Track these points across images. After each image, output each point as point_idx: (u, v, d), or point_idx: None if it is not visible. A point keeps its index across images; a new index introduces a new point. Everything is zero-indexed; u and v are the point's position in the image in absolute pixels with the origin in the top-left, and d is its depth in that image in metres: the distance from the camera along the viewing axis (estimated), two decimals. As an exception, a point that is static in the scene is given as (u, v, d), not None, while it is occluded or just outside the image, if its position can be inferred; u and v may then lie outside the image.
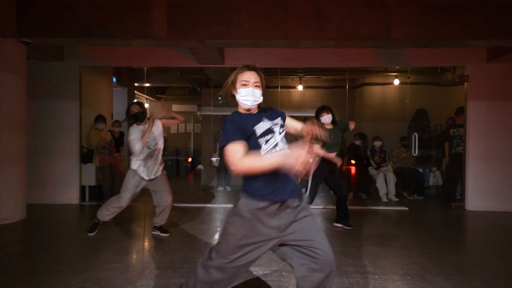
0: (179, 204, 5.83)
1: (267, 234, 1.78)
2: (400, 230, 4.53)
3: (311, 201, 4.41)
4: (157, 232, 4.12)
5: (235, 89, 1.89)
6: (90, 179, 6.20)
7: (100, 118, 6.00)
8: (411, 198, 7.00)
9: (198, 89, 9.26)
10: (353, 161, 7.04)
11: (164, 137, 12.20)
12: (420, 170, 7.41)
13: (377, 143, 7.09)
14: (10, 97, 4.67)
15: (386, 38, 4.54)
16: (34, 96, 5.69)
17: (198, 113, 10.34)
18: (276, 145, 1.83)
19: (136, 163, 3.85)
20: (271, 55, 5.95)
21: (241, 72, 1.91)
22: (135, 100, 6.90)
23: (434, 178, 7.52)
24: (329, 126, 4.38)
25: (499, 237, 4.35)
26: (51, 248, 3.64)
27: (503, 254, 3.67)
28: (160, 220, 4.07)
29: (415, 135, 6.37)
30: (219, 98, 9.25)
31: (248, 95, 1.85)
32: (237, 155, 1.69)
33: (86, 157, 6.18)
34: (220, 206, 5.90)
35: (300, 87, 8.34)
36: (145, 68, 7.06)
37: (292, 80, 8.38)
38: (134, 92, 9.17)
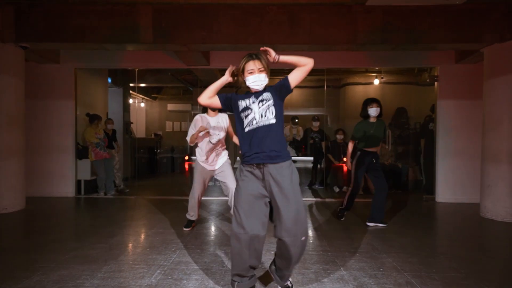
0: (173, 197, 6.28)
1: None
2: (365, 218, 4.92)
3: (356, 190, 4.52)
4: None
5: (243, 77, 2.32)
6: (85, 174, 6.62)
7: (95, 117, 6.44)
8: (391, 191, 7.39)
9: (191, 89, 9.68)
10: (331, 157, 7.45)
11: (160, 135, 12.57)
12: (400, 166, 7.81)
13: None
14: (9, 97, 5.09)
15: (353, 42, 4.94)
16: (33, 96, 6.13)
17: (192, 112, 10.77)
18: (253, 119, 2.28)
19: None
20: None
21: (246, 62, 2.31)
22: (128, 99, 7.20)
23: (413, 173, 7.93)
24: (373, 120, 4.38)
25: (453, 223, 4.76)
26: (45, 232, 4.06)
27: (450, 236, 4.09)
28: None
29: (389, 132, 6.76)
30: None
31: (256, 80, 2.29)
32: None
33: (81, 153, 6.60)
34: (211, 199, 6.31)
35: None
36: (136, 69, 7.45)
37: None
38: (129, 92, 9.58)
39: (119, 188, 7.05)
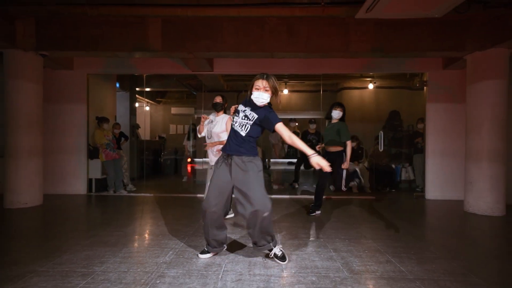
0: (177, 195, 6.71)
1: None
2: (359, 213, 5.33)
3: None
4: None
5: (251, 91, 2.93)
6: (96, 173, 7.05)
7: (103, 119, 6.88)
8: (384, 191, 7.81)
9: (195, 93, 10.11)
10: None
11: (163, 137, 12.98)
12: (393, 166, 8.22)
13: (353, 143, 7.90)
14: (29, 101, 5.53)
15: (346, 50, 5.37)
16: (47, 100, 6.55)
17: (195, 116, 11.19)
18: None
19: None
20: (254, 63, 6.80)
21: (256, 79, 2.86)
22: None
23: (406, 173, 8.34)
24: (335, 121, 4.99)
25: (437, 217, 5.16)
26: (65, 223, 4.49)
27: (433, 227, 4.50)
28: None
29: (381, 133, 7.18)
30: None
31: (258, 97, 2.82)
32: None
33: (92, 153, 7.03)
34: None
35: (285, 91, 9.20)
36: (145, 75, 7.89)
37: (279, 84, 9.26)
38: (135, 96, 10.02)
39: (127, 187, 7.47)
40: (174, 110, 12.81)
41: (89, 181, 7.04)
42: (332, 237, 3.88)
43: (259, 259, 3.11)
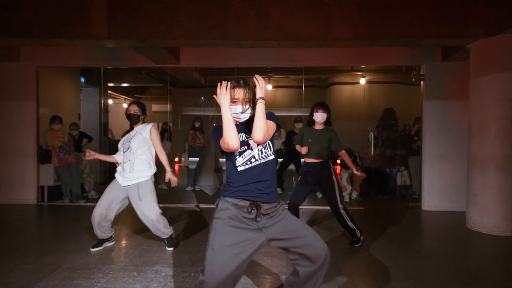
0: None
1: None
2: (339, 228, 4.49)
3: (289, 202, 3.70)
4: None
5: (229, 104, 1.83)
6: (48, 179, 6.21)
7: (56, 119, 6.01)
8: (377, 198, 6.98)
9: (171, 88, 9.25)
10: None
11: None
12: (387, 170, 7.37)
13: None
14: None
15: (325, 38, 4.51)
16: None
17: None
18: (252, 157, 1.87)
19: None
20: (226, 54, 5.94)
21: (232, 89, 1.89)
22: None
23: (402, 178, 7.48)
24: (320, 126, 3.80)
25: (435, 236, 4.32)
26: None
27: (421, 249, 3.65)
28: None
29: (371, 134, 6.33)
30: (202, 98, 9.24)
31: (238, 112, 1.89)
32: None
33: (44, 157, 6.19)
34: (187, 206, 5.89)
35: (269, 87, 8.33)
36: (102, 68, 7.04)
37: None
38: (107, 92, 9.17)
39: (89, 193, 6.66)
40: (155, 107, 11.99)
41: (41, 189, 6.21)
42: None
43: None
